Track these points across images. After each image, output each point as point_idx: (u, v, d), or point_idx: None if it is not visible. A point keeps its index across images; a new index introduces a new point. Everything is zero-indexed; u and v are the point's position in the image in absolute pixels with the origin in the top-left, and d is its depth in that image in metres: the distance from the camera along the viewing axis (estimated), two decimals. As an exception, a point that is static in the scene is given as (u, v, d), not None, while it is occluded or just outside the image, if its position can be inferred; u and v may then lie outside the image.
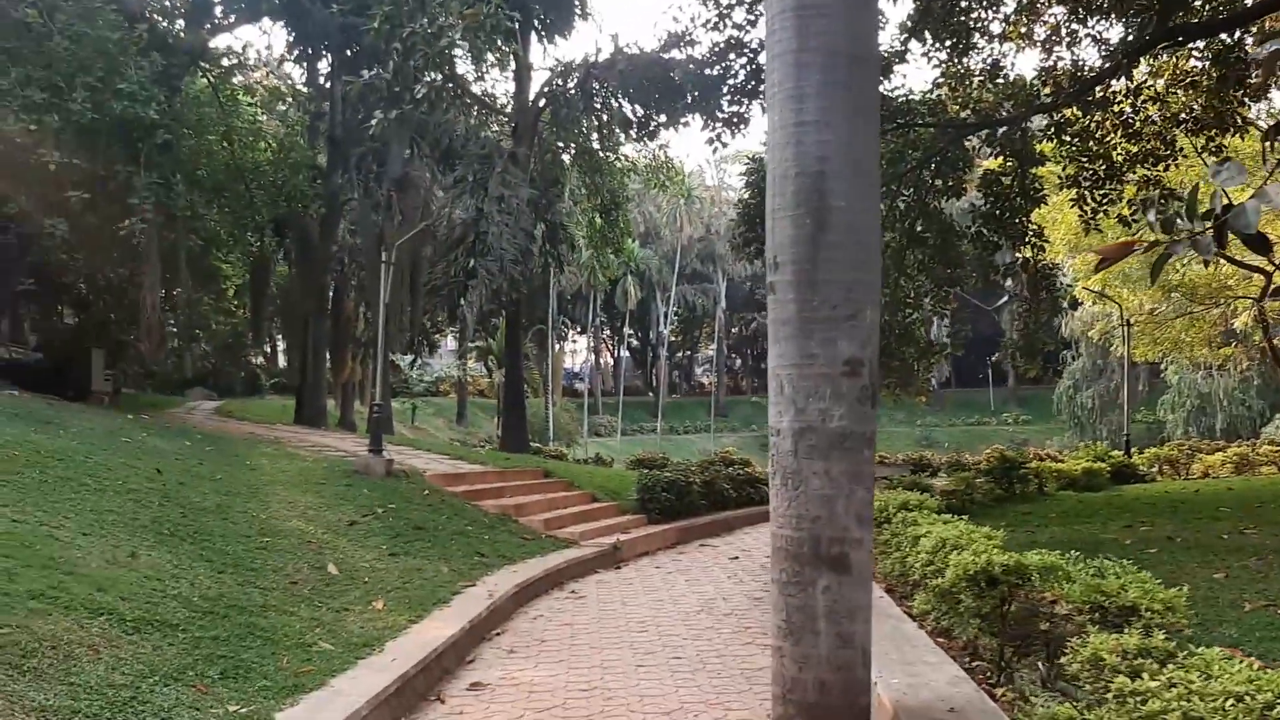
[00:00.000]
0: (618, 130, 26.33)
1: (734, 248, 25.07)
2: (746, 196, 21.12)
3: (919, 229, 20.24)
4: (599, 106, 23.24)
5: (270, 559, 9.39)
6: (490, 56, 25.69)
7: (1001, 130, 18.93)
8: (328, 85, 25.39)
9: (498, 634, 9.27)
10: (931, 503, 11.05)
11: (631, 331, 76.93)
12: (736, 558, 14.31)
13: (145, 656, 6.13)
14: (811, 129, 5.31)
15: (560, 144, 27.62)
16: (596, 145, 26.98)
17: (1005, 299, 50.59)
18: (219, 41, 33.50)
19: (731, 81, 18.41)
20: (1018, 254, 20.26)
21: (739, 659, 8.34)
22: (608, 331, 79.10)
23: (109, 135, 18.47)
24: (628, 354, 79.51)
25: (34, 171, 17.94)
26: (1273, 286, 21.27)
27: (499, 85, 64.70)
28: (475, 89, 27.38)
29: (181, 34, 21.53)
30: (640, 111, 21.49)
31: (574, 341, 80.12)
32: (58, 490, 9.42)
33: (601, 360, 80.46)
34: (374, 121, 16.84)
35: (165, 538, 9.00)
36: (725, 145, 22.13)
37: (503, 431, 29.51)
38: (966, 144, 20.02)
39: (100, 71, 17.64)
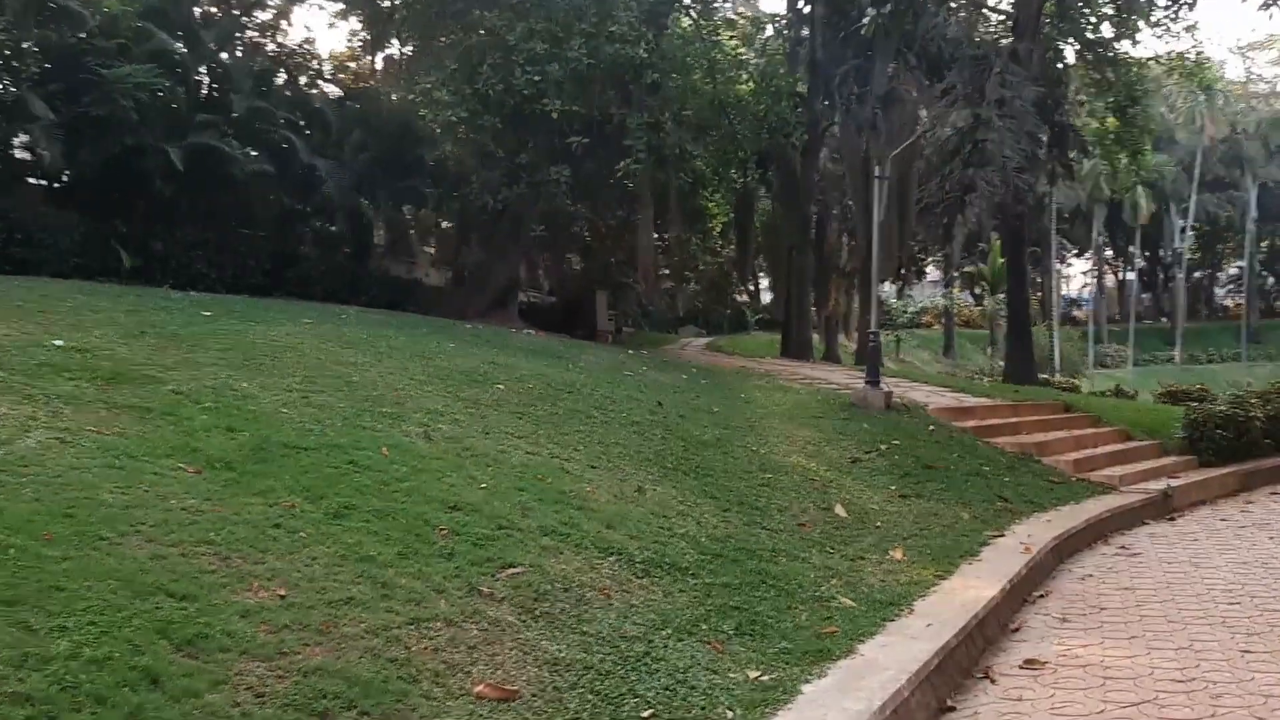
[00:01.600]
0: (1134, 15, 22.82)
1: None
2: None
3: None
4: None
5: (774, 497, 8.73)
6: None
7: None
8: (805, 9, 24.51)
9: (1041, 596, 7.80)
10: None
11: (1136, 250, 68.63)
12: (1329, 511, 11.55)
13: (656, 604, 5.66)
14: None
15: (1063, 40, 24.40)
16: (1109, 34, 23.49)
17: None
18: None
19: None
20: None
21: (1391, 650, 6.24)
22: (1109, 251, 71.35)
23: (603, 80, 19.02)
24: (1134, 276, 71.08)
25: (539, 121, 18.96)
26: None
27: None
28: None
29: (665, -28, 21.66)
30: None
31: (1069, 264, 73.29)
32: (567, 422, 9.44)
33: (1104, 284, 72.80)
34: (864, 21, 15.62)
35: (669, 472, 8.69)
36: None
37: (1006, 362, 27.04)
38: None
39: (594, 17, 18.14)
